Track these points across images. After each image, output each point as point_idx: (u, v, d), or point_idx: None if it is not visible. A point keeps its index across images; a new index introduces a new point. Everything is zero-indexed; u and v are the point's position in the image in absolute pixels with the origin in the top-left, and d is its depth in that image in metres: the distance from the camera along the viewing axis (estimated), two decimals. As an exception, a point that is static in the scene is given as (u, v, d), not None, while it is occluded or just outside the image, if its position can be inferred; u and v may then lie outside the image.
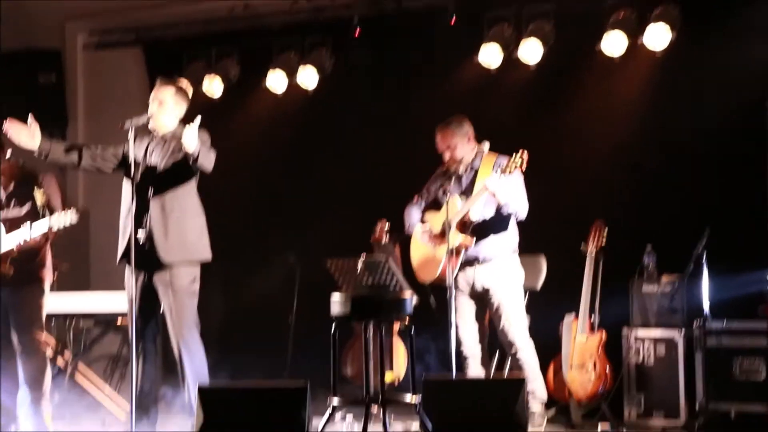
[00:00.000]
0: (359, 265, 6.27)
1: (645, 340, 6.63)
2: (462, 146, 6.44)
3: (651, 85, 7.18)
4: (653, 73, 7.15)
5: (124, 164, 6.03)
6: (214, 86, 8.41)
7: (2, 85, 8.88)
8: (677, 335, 6.53)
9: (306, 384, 5.30)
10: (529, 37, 7.32)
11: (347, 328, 6.96)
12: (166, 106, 6.04)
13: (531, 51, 7.36)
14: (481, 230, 6.32)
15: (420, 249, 6.56)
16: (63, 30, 9.31)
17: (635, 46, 7.13)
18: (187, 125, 5.71)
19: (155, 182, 5.97)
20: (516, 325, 6.39)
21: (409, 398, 5.52)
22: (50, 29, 9.22)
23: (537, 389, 6.41)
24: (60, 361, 7.35)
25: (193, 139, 5.65)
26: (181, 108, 6.12)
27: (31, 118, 5.88)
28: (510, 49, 7.44)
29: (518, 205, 6.31)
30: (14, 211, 6.46)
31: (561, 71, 7.43)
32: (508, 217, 6.33)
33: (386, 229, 7.25)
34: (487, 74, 7.55)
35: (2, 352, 6.47)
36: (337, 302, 5.37)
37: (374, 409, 5.67)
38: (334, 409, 5.30)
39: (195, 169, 5.85)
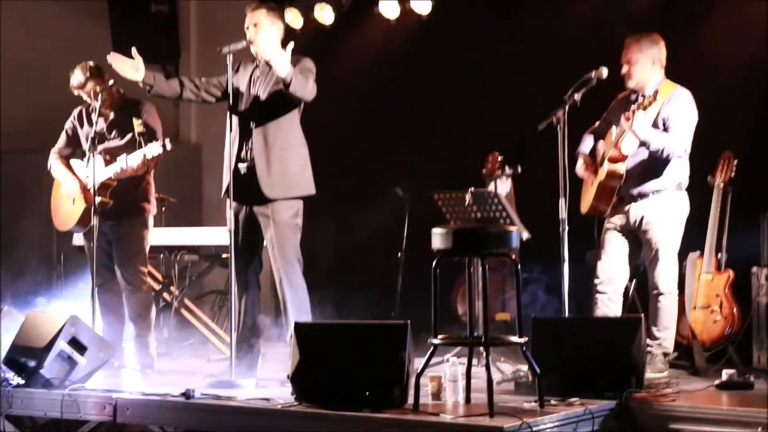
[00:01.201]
0: (467, 198, 6.03)
1: (777, 279, 6.19)
2: (643, 66, 5.96)
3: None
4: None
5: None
6: (325, 13, 8.22)
7: (114, 16, 8.88)
8: (812, 274, 6.08)
9: (406, 323, 5.07)
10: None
11: (457, 263, 6.67)
12: (263, 28, 5.85)
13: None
14: (637, 164, 5.95)
15: (585, 180, 6.23)
16: (178, -42, 9.24)
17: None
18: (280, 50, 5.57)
19: (257, 112, 5.84)
20: (666, 265, 5.98)
21: (515, 339, 5.20)
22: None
23: (666, 340, 6.02)
24: (166, 296, 7.31)
25: (283, 64, 5.50)
26: (278, 28, 5.92)
27: (134, 51, 5.83)
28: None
29: (669, 143, 5.85)
30: (115, 141, 6.41)
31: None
32: (663, 155, 5.89)
33: (499, 161, 6.89)
34: None
35: (108, 286, 6.45)
36: (437, 235, 5.07)
37: (481, 349, 5.42)
38: (435, 348, 5.04)
39: (289, 96, 5.64)
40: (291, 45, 5.59)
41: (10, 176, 8.51)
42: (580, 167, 6.16)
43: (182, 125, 9.26)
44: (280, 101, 5.81)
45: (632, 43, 6.01)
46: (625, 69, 6.00)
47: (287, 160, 5.82)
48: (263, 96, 5.85)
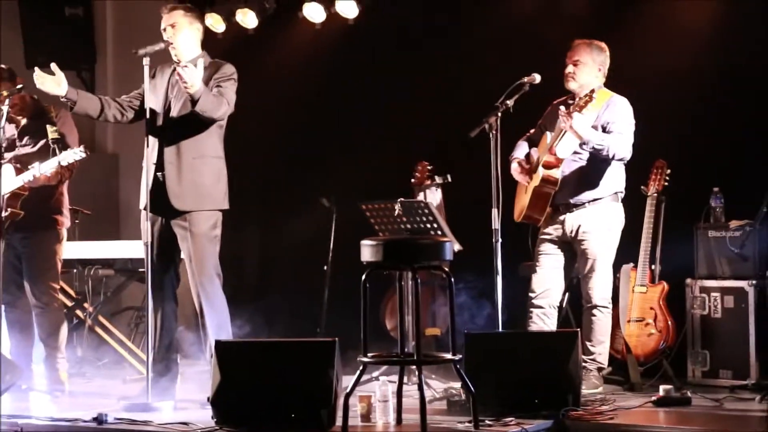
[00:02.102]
0: (396, 209, 5.83)
1: (711, 291, 6.13)
2: (590, 70, 5.85)
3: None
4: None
5: None
6: (248, 18, 7.96)
7: (26, 19, 8.51)
8: (747, 286, 6.01)
9: (334, 340, 4.86)
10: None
11: (386, 276, 6.46)
12: (181, 29, 5.63)
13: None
14: (573, 172, 5.82)
15: (518, 186, 6.09)
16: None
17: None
18: (190, 63, 5.40)
19: (172, 119, 5.59)
20: (601, 277, 5.87)
21: (449, 356, 4.99)
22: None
23: (601, 354, 5.90)
24: (80, 314, 6.97)
25: (192, 79, 5.27)
26: (197, 29, 5.71)
27: (54, 66, 5.52)
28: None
29: (613, 142, 5.73)
30: (26, 148, 6.11)
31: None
32: (607, 155, 5.75)
33: (428, 170, 6.70)
34: None
35: (16, 304, 6.11)
36: (367, 247, 4.84)
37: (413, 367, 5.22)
38: (365, 367, 4.81)
39: (196, 112, 5.41)
40: (201, 62, 5.40)
41: None
42: (515, 170, 6.00)
43: (99, 134, 8.92)
44: (191, 115, 5.54)
45: (581, 45, 5.90)
46: (570, 69, 5.89)
47: (200, 171, 5.56)
48: (179, 102, 5.59)
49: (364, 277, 4.81)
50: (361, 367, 4.81)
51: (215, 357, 4.84)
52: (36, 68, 5.58)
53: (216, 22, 7.99)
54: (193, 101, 5.35)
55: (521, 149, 6.11)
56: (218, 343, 4.93)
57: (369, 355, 4.81)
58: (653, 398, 5.36)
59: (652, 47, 6.71)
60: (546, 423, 4.85)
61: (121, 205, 8.64)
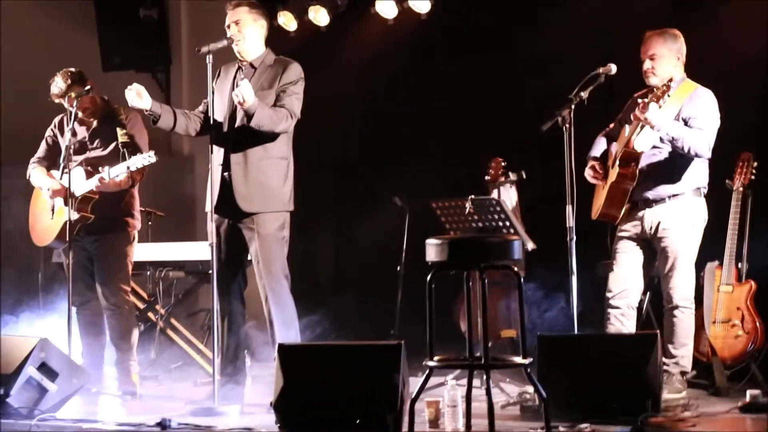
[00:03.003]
0: (467, 206, 5.66)
1: (803, 290, 5.91)
2: (668, 61, 5.61)
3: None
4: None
5: None
6: (320, 15, 7.90)
7: (102, 22, 8.58)
8: (842, 284, 5.78)
9: (400, 343, 4.74)
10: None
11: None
12: (245, 25, 5.56)
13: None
14: (652, 165, 5.60)
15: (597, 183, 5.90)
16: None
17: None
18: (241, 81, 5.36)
19: (239, 119, 5.51)
20: (682, 275, 5.63)
21: (519, 360, 4.80)
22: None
23: (683, 358, 5.67)
24: (152, 316, 6.95)
25: (243, 95, 5.24)
26: (261, 25, 5.63)
27: (136, 85, 5.49)
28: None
29: (692, 137, 5.49)
30: (97, 151, 6.10)
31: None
32: (687, 151, 5.52)
33: (502, 167, 6.52)
34: None
35: (88, 306, 6.12)
36: (432, 247, 4.68)
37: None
38: (431, 371, 4.65)
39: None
40: (246, 82, 5.33)
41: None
42: (588, 173, 5.79)
43: (174, 136, 8.90)
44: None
45: (654, 36, 5.66)
46: (647, 65, 5.66)
47: (266, 173, 5.49)
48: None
49: (429, 277, 4.65)
50: (426, 371, 4.65)
51: (278, 361, 4.75)
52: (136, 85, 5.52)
53: (288, 21, 7.96)
54: (248, 116, 5.31)
55: (599, 146, 5.90)
56: (281, 347, 4.84)
57: (436, 358, 4.65)
58: (740, 404, 5.16)
59: (734, 35, 6.49)
60: (624, 429, 4.66)
61: (197, 206, 8.63)
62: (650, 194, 5.64)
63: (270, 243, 5.48)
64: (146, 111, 5.52)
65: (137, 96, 5.45)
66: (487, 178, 6.55)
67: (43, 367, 5.21)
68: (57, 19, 8.66)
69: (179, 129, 5.65)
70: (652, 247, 5.72)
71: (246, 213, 5.48)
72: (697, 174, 5.66)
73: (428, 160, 7.36)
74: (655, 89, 5.51)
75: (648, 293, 5.95)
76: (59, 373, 5.25)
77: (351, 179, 7.90)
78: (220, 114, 5.53)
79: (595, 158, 5.84)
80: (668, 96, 5.43)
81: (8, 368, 5.19)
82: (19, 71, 8.37)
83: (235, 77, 5.60)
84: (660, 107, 5.43)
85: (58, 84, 6.06)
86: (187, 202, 8.55)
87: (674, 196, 5.63)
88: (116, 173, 5.81)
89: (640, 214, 5.69)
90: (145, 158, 5.75)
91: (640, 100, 5.57)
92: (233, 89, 5.48)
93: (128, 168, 5.77)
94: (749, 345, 5.86)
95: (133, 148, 5.93)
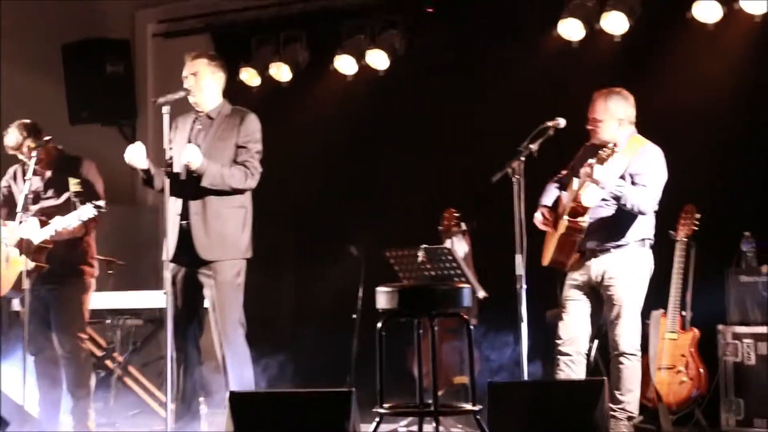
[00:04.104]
0: (419, 255, 5.79)
1: (744, 337, 6.04)
2: (608, 126, 5.70)
3: (749, 54, 6.45)
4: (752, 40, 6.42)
5: None
6: (282, 72, 8.09)
7: (70, 75, 8.68)
8: (782, 332, 5.91)
9: (350, 391, 4.78)
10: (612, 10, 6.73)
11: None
12: (203, 77, 5.68)
13: (615, 22, 6.74)
14: (600, 218, 5.71)
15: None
16: (133, 19, 9.12)
17: (731, 13, 6.41)
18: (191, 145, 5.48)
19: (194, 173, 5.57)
20: (628, 323, 5.73)
21: (468, 406, 4.92)
22: (119, 19, 9.04)
23: (630, 404, 5.74)
24: (109, 364, 6.99)
25: (192, 158, 5.39)
26: (219, 78, 5.74)
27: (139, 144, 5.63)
28: (591, 22, 6.87)
29: (636, 196, 5.62)
30: (51, 201, 6.15)
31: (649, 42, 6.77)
32: (631, 208, 5.64)
33: (455, 217, 6.67)
34: (569, 48, 6.97)
35: (45, 354, 6.14)
36: (382, 294, 4.80)
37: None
38: (381, 418, 4.75)
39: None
40: (194, 147, 5.46)
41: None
42: (538, 220, 5.92)
43: (139, 187, 9.00)
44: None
45: (599, 100, 5.74)
46: (591, 125, 5.78)
47: (225, 221, 5.58)
48: (201, 152, 5.59)
49: (379, 324, 4.77)
50: (377, 419, 4.75)
51: (229, 408, 4.78)
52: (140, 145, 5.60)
53: (251, 76, 8.14)
54: (198, 176, 5.41)
55: (550, 194, 6.01)
56: (232, 394, 4.87)
57: (386, 405, 4.75)
58: (684, 448, 5.27)
59: (681, 92, 6.66)
60: (572, 474, 4.73)
61: (161, 255, 8.68)
62: (596, 245, 5.76)
63: (227, 290, 5.56)
64: (141, 171, 5.60)
65: (138, 156, 5.53)
66: (440, 228, 6.69)
67: (-6, 416, 5.25)
68: (24, 71, 8.78)
69: (158, 187, 5.70)
70: (599, 295, 5.85)
71: (204, 261, 5.56)
72: (643, 226, 5.77)
73: (384, 210, 7.46)
74: (600, 151, 5.63)
75: (596, 340, 6.06)
76: (9, 423, 5.27)
77: (309, 229, 7.99)
78: (177, 165, 5.59)
79: (545, 206, 5.99)
80: (612, 158, 5.57)
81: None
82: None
83: (191, 128, 5.70)
84: (604, 167, 5.57)
85: (13, 136, 6.08)
86: (151, 250, 8.61)
87: (619, 246, 5.74)
88: (66, 223, 5.81)
89: (588, 263, 5.81)
90: (94, 209, 5.75)
91: (588, 161, 5.70)
92: (189, 141, 5.61)
93: (79, 218, 5.78)
94: (693, 391, 5.97)
95: (86, 197, 5.93)
